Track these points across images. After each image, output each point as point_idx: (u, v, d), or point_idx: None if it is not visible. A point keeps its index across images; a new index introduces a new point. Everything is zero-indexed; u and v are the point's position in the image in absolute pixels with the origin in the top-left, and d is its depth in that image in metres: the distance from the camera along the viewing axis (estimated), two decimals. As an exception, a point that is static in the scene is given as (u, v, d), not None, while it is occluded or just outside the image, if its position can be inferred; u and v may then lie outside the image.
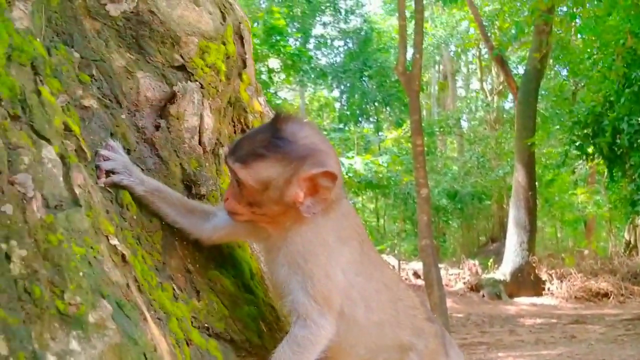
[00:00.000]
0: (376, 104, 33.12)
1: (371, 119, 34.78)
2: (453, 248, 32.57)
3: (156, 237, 1.45)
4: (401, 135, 30.17)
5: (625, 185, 16.75)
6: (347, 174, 26.33)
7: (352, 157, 26.94)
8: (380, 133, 32.28)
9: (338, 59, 34.12)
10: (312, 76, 30.03)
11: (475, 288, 20.16)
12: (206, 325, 1.48)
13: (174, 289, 1.45)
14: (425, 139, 27.09)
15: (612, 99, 14.00)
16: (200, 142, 1.81)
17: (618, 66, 13.66)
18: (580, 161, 20.35)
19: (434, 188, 24.94)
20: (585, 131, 14.80)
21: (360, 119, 33.57)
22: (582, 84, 20.80)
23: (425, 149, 26.40)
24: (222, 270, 1.58)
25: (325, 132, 26.79)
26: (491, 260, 23.17)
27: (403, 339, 1.88)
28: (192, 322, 1.44)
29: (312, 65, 28.20)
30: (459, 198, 27.75)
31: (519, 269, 21.00)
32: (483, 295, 20.28)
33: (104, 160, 1.64)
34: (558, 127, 21.34)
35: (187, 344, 1.38)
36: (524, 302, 20.08)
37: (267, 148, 1.70)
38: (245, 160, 1.68)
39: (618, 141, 13.94)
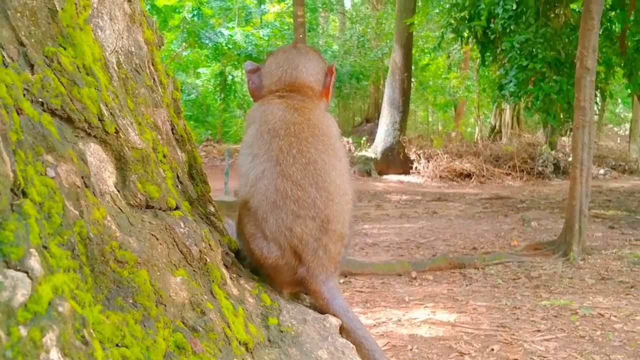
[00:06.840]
0: (259, -25, 32.16)
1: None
2: (328, 126, 33.08)
3: (-18, 2, 1.31)
4: (284, 9, 29.64)
5: (495, 70, 17.36)
6: (226, 46, 25.78)
7: (233, 28, 26.31)
8: (262, 6, 31.49)
9: None
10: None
11: (347, 165, 20.46)
12: (40, 100, 1.38)
13: (3, 57, 1.33)
14: (308, 14, 26.75)
15: (488, -17, 14.19)
16: None
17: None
18: (456, 45, 20.86)
19: (313, 66, 24.95)
20: (462, 14, 15.03)
21: (243, -11, 32.55)
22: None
23: (307, 25, 26.19)
24: (60, 50, 1.46)
25: (205, 1, 25.96)
26: (364, 139, 23.77)
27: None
28: (24, 95, 1.34)
29: None
30: (338, 77, 27.83)
31: (389, 148, 21.75)
32: (354, 172, 20.81)
33: None
34: (437, 10, 21.63)
35: (18, 113, 1.28)
36: (392, 179, 20.85)
37: None
38: None
39: (492, 25, 14.29)
